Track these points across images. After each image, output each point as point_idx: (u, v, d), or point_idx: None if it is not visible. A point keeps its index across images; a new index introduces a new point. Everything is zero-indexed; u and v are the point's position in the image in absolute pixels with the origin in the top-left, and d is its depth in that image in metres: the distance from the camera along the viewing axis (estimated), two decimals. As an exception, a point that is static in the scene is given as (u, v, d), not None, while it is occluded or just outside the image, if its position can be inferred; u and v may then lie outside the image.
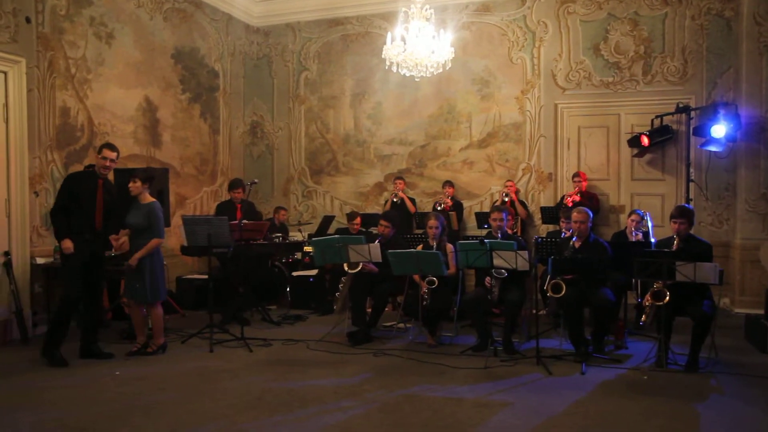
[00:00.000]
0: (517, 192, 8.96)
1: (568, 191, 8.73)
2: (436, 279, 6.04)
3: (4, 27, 6.36)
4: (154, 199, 5.84)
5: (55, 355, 5.44)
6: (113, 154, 5.63)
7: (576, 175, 8.46)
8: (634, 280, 6.21)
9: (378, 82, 9.80)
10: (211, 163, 9.61)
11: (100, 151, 5.63)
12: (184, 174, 9.02)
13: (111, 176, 7.05)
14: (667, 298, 5.17)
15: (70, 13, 7.12)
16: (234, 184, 7.84)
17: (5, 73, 6.40)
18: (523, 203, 8.89)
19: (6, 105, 6.41)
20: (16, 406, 4.43)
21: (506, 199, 8.40)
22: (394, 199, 8.99)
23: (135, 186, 5.70)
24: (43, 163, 6.80)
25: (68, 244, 5.45)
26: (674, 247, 5.44)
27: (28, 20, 6.59)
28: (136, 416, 4.23)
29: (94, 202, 5.56)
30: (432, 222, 6.42)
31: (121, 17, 7.81)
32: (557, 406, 4.42)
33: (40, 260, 6.65)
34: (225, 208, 7.75)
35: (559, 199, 8.69)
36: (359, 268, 6.46)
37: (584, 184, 8.39)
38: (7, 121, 6.41)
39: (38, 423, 4.11)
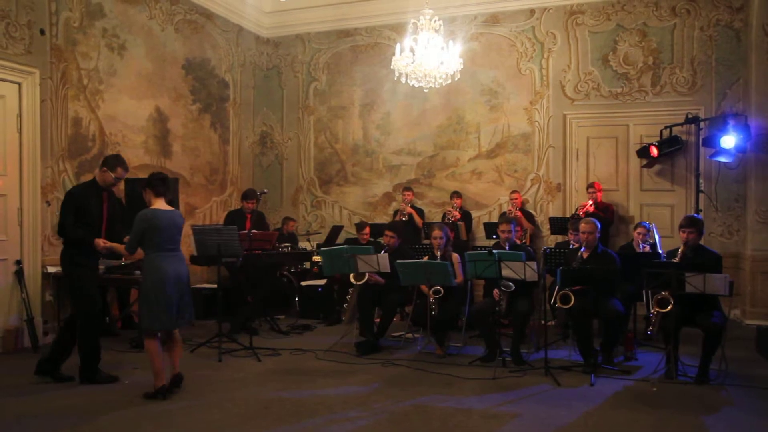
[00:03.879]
0: (523, 203, 8.94)
1: (577, 202, 8.72)
2: (442, 288, 6.05)
3: (18, 39, 6.45)
4: (156, 206, 4.97)
5: (96, 377, 5.18)
6: (125, 173, 5.34)
7: (590, 186, 8.38)
8: (644, 292, 6.18)
9: (387, 92, 9.84)
10: (220, 172, 9.67)
11: (113, 168, 5.20)
12: (194, 184, 9.08)
13: (121, 185, 7.14)
14: (671, 305, 5.14)
15: (83, 25, 7.21)
16: (248, 195, 7.90)
17: (19, 84, 6.48)
18: (529, 215, 8.86)
19: (20, 115, 6.49)
20: (28, 413, 4.46)
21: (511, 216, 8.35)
22: (403, 218, 8.88)
23: (144, 197, 5.14)
24: (55, 173, 6.87)
25: (101, 242, 5.13)
26: (678, 256, 5.41)
27: (42, 32, 6.69)
28: (145, 425, 4.24)
29: (101, 215, 5.26)
30: (436, 233, 6.44)
31: (133, 29, 7.91)
32: (566, 417, 4.40)
33: (51, 269, 6.69)
34: (235, 217, 7.82)
35: (574, 210, 8.63)
36: (365, 280, 6.47)
37: (599, 194, 8.29)
38: (20, 131, 6.49)
39: (50, 431, 4.13)
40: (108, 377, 5.25)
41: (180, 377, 5.00)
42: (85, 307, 5.21)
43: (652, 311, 5.33)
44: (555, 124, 9.08)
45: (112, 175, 5.22)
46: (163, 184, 5.04)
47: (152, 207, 4.96)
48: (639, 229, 7.06)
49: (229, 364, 5.86)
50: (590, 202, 8.19)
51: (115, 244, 5.19)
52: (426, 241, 8.50)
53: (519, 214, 8.52)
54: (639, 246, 6.95)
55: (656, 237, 7.05)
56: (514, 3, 9.18)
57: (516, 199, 8.73)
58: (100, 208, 5.27)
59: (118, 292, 7.37)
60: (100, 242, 5.16)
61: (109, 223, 5.33)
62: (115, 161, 5.28)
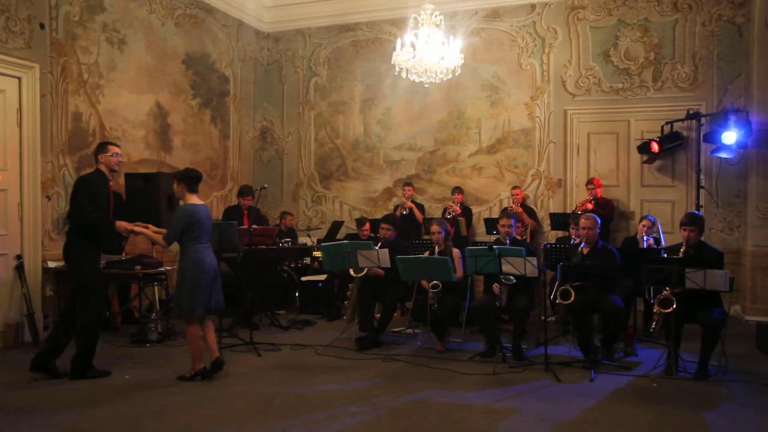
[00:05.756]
0: (524, 198, 8.92)
1: (578, 197, 8.71)
2: (440, 283, 6.06)
3: (18, 33, 6.43)
4: (193, 201, 5.24)
5: (92, 373, 5.19)
6: (119, 149, 5.42)
7: (589, 182, 8.34)
8: (645, 287, 6.18)
9: (387, 87, 9.82)
10: (221, 168, 9.66)
11: (105, 150, 5.28)
12: (194, 179, 9.05)
13: (121, 180, 7.15)
14: (674, 306, 5.15)
15: (83, 20, 7.19)
16: (244, 191, 7.91)
17: (19, 79, 6.47)
18: (531, 210, 8.84)
19: (20, 110, 6.48)
20: (29, 408, 4.47)
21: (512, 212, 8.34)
22: (404, 212, 8.90)
23: (174, 188, 5.36)
24: (55, 168, 6.87)
25: (126, 225, 5.25)
26: (681, 254, 5.41)
27: (42, 26, 6.67)
28: (146, 420, 4.25)
29: (108, 204, 5.35)
30: (434, 228, 6.45)
31: (133, 23, 7.89)
32: (566, 413, 4.41)
33: (51, 264, 6.69)
34: (232, 213, 7.83)
35: (574, 205, 8.60)
36: (365, 272, 6.47)
37: (599, 190, 8.25)
38: (20, 126, 6.48)
39: (51, 426, 4.13)
40: (100, 372, 5.25)
41: (221, 361, 5.23)
42: (95, 305, 5.26)
43: (654, 310, 5.33)
44: (556, 119, 9.06)
45: (108, 155, 5.29)
46: (198, 182, 5.32)
47: (188, 202, 5.22)
48: (644, 222, 7.06)
49: (229, 359, 5.84)
50: (590, 198, 8.17)
51: (146, 231, 5.34)
52: (426, 237, 8.51)
53: (520, 209, 8.51)
54: (643, 238, 6.94)
55: (660, 233, 7.05)
56: (515, -2, 9.17)
57: (517, 194, 8.70)
58: (108, 198, 5.37)
59: (118, 287, 7.37)
60: (122, 225, 5.25)
61: (115, 213, 5.43)
62: (101, 145, 5.44)
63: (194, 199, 5.26)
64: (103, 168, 5.33)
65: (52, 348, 5.27)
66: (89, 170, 7.01)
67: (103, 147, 5.37)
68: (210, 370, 5.17)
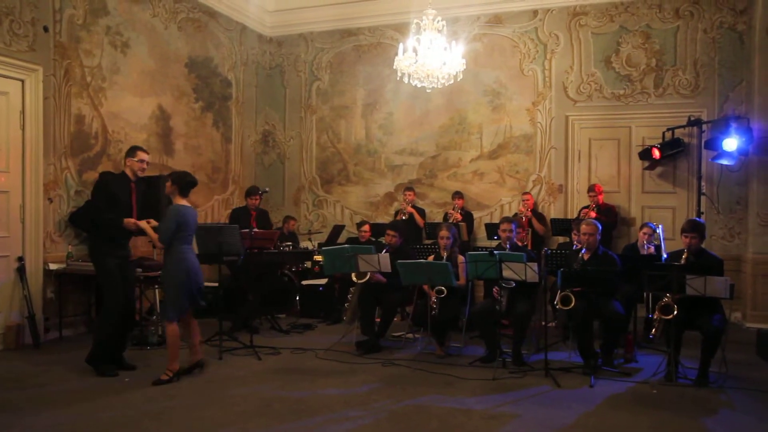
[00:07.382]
0: (534, 205, 8.90)
1: (579, 203, 8.71)
2: (445, 288, 6.06)
3: (22, 36, 6.46)
4: (181, 203, 5.32)
5: (103, 368, 5.38)
6: (148, 156, 5.68)
7: (591, 189, 8.33)
8: (645, 294, 6.18)
9: (389, 92, 9.85)
10: (222, 171, 9.68)
11: (133, 154, 5.55)
12: (195, 182, 9.06)
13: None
14: (675, 312, 5.15)
15: (87, 23, 7.22)
16: (251, 192, 7.98)
17: (22, 81, 6.49)
18: (541, 217, 8.81)
19: (23, 112, 6.50)
20: (29, 410, 4.48)
21: (523, 219, 8.34)
22: (404, 217, 8.91)
23: (167, 187, 5.46)
24: (57, 170, 6.88)
25: (132, 222, 5.45)
26: (683, 261, 5.42)
27: (45, 29, 6.70)
28: (146, 423, 4.25)
29: (130, 205, 5.52)
30: (443, 233, 6.44)
31: (136, 27, 7.92)
32: (565, 418, 4.41)
33: (52, 266, 6.70)
34: (240, 214, 7.88)
35: (576, 211, 8.58)
36: (367, 278, 6.48)
37: (600, 197, 8.26)
38: (23, 128, 6.50)
39: (51, 427, 4.15)
40: (110, 371, 5.38)
41: (202, 363, 5.50)
42: (108, 297, 5.50)
43: (654, 315, 5.33)
44: (557, 125, 9.07)
45: (135, 159, 5.56)
46: (192, 188, 5.45)
47: (177, 203, 5.34)
48: (645, 230, 7.05)
49: (229, 363, 5.88)
50: (592, 206, 8.15)
51: (147, 227, 5.48)
52: (427, 241, 8.51)
53: (529, 214, 8.50)
54: (644, 247, 6.93)
55: (661, 239, 7.04)
56: (517, 4, 9.19)
57: (528, 200, 8.69)
58: (129, 198, 5.57)
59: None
60: (131, 221, 5.49)
61: (140, 212, 5.62)
62: (132, 149, 5.70)
63: (183, 202, 5.37)
64: (128, 171, 5.62)
65: (117, 343, 5.56)
66: (92, 173, 7.16)
67: (132, 151, 5.66)
68: (188, 367, 5.36)
